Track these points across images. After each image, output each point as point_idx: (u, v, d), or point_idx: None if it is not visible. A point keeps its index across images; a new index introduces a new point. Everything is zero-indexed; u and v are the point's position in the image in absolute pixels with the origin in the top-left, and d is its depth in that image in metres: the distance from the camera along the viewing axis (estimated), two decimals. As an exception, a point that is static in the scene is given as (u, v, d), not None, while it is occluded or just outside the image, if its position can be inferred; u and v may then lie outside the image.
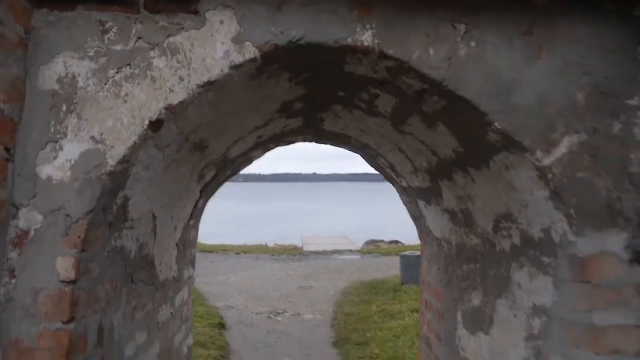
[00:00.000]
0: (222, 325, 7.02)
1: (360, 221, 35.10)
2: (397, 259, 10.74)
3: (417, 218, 3.38)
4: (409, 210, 3.52)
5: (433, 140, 2.19)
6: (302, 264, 13.29)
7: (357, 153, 3.44)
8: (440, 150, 2.24)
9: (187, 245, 3.09)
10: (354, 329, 6.66)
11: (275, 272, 11.92)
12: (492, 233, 2.29)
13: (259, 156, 3.28)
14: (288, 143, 3.30)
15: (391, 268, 11.45)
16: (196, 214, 3.09)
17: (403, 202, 3.55)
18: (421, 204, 3.11)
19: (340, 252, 15.71)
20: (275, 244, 18.35)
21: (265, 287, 10.05)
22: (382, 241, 19.87)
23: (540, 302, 1.93)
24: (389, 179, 3.48)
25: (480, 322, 2.49)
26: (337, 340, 6.37)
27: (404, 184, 3.17)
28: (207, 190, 3.00)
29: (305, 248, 16.97)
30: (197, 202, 2.93)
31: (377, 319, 6.99)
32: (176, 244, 2.77)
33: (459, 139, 2.00)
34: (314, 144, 3.51)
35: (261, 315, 7.83)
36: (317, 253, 15.53)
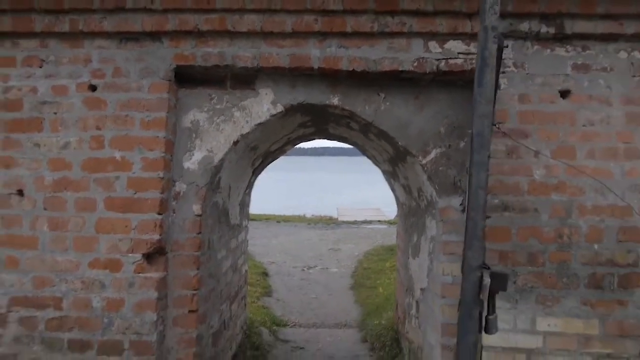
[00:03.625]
0: (265, 274, 8.96)
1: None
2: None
3: (392, 190, 5.13)
4: (389, 186, 5.26)
5: (381, 146, 3.94)
6: (335, 231, 15.10)
7: (355, 147, 5.18)
8: (387, 151, 3.98)
9: (244, 205, 4.94)
10: (368, 277, 8.49)
11: (310, 237, 13.78)
12: (418, 198, 4.03)
13: (289, 149, 5.07)
14: (308, 140, 5.07)
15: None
16: (250, 185, 4.93)
17: (385, 180, 5.29)
18: (391, 181, 4.86)
19: (369, 222, 17.45)
20: (312, 215, 20.24)
21: (301, 249, 11.93)
22: (411, 214, 21.45)
23: (432, 234, 3.67)
24: (375, 164, 5.21)
25: (416, 251, 4.25)
26: (354, 285, 8.23)
27: (382, 167, 4.91)
28: (256, 171, 4.82)
29: (340, 219, 18.77)
30: (250, 178, 4.76)
31: (388, 271, 8.75)
32: (239, 204, 4.62)
33: (391, 147, 3.74)
34: (327, 140, 5.27)
35: (296, 269, 9.73)
36: (349, 223, 17.32)
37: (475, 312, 1.44)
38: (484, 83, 1.54)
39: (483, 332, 2.96)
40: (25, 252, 3.21)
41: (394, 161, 4.12)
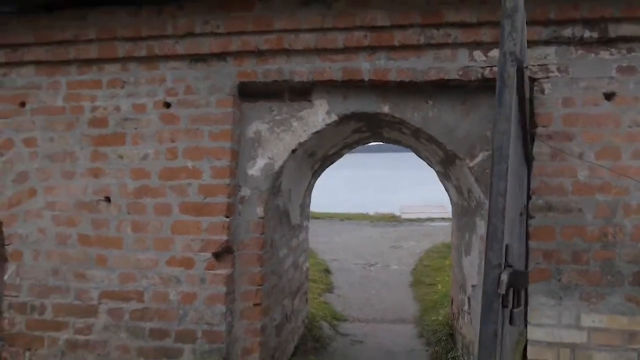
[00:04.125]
0: (327, 271, 9.27)
1: (461, 192, 35.91)
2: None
3: (446, 191, 5.29)
4: (443, 186, 5.42)
5: (432, 149, 4.13)
6: (397, 229, 15.23)
7: (409, 149, 5.38)
8: (438, 154, 4.16)
9: (304, 206, 5.26)
10: (428, 275, 8.62)
11: (372, 235, 13.99)
12: (468, 198, 4.20)
13: (346, 153, 5.33)
14: (365, 143, 5.31)
15: (474, 233, 13.09)
16: (309, 188, 5.23)
17: (439, 181, 5.45)
18: (444, 182, 5.03)
19: (432, 219, 17.42)
20: (375, 212, 20.42)
21: (363, 246, 12.16)
22: (476, 211, 21.20)
23: (481, 233, 3.83)
24: (429, 165, 5.39)
25: (468, 249, 4.40)
26: (413, 282, 8.39)
27: (435, 169, 5.08)
28: (315, 174, 5.12)
29: (403, 217, 18.85)
30: (309, 181, 5.07)
31: (447, 269, 8.82)
32: (299, 205, 4.93)
33: (440, 150, 3.93)
34: (382, 143, 5.50)
35: (358, 266, 9.99)
36: (411, 220, 17.38)
37: (496, 304, 1.65)
38: (502, 102, 1.74)
39: (528, 328, 3.11)
40: (112, 251, 3.66)
41: (444, 163, 4.30)
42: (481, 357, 1.70)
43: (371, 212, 21.01)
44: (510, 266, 1.82)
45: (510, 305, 1.88)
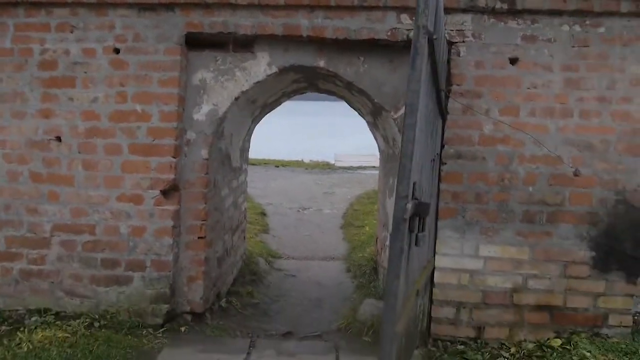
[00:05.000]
0: (263, 214, 9.71)
1: (393, 142, 37.01)
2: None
3: (375, 139, 5.79)
4: (372, 135, 5.90)
5: (363, 101, 4.56)
6: (330, 177, 15.83)
7: (344, 100, 5.79)
8: (368, 105, 4.60)
9: (244, 150, 5.60)
10: (357, 218, 9.26)
11: (307, 181, 14.51)
12: (393, 147, 4.69)
13: (285, 101, 5.66)
14: (302, 93, 5.65)
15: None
16: (249, 133, 5.57)
17: (369, 130, 5.93)
18: (373, 131, 5.51)
19: (364, 168, 18.14)
20: (310, 160, 20.94)
21: (297, 192, 12.65)
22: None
23: (403, 177, 4.34)
24: (360, 116, 5.83)
25: (391, 192, 4.93)
26: (344, 225, 9.02)
27: (366, 119, 5.53)
28: (255, 120, 5.45)
29: (337, 164, 19.47)
30: (250, 127, 5.40)
31: (375, 213, 9.46)
32: (240, 149, 5.28)
33: (370, 103, 4.37)
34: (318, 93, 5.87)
35: (292, 210, 10.50)
36: (344, 168, 18.03)
37: (402, 227, 2.12)
38: (414, 67, 2.15)
39: (436, 257, 3.68)
40: (64, 188, 3.91)
41: (374, 114, 4.75)
42: (390, 268, 2.19)
43: (307, 159, 21.51)
44: (417, 199, 2.30)
45: (415, 230, 2.37)
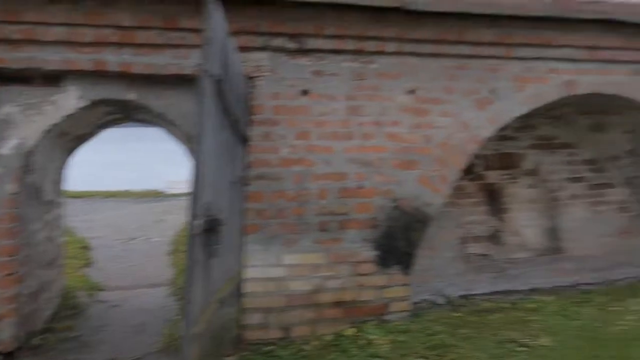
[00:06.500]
0: (87, 248, 9.38)
1: (228, 168, 37.19)
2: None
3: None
4: (192, 161, 6.20)
5: (177, 129, 4.86)
6: (162, 204, 15.68)
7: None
8: (181, 133, 4.90)
9: (57, 182, 5.54)
10: (184, 242, 9.41)
11: (136, 211, 14.23)
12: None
13: (101, 131, 5.73)
14: (118, 124, 5.75)
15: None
16: (63, 166, 5.53)
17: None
18: (193, 157, 5.81)
19: (196, 194, 18.18)
20: (141, 189, 20.34)
21: (125, 223, 12.36)
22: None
23: (217, 200, 4.72)
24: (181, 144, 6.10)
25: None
26: (172, 251, 9.12)
27: (185, 146, 5.81)
28: (70, 152, 5.44)
29: (169, 192, 19.18)
30: (63, 160, 5.37)
31: (206, 237, 9.73)
32: (52, 182, 5.22)
33: (181, 132, 4.68)
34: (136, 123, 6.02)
35: (119, 241, 10.28)
36: (176, 195, 17.89)
37: (195, 241, 2.49)
38: (202, 105, 2.57)
39: (244, 269, 4.08)
40: None
41: (189, 142, 5.07)
42: (187, 278, 2.55)
43: (136, 188, 20.85)
44: (210, 217, 2.69)
45: (211, 243, 2.76)
